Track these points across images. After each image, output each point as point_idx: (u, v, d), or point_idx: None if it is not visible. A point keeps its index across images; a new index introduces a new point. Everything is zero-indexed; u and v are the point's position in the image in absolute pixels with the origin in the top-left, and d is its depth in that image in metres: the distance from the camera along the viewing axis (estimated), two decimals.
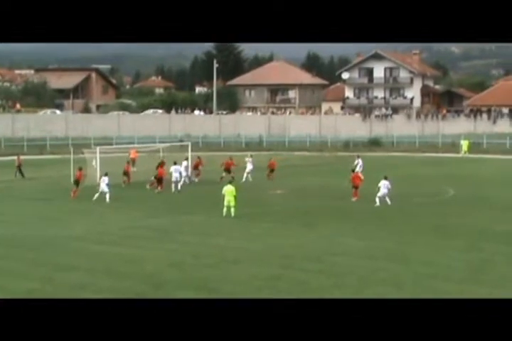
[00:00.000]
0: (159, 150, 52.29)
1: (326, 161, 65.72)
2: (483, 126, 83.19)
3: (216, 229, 30.08)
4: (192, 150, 52.45)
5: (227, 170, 48.02)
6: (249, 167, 48.44)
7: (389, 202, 36.29)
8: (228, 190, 32.69)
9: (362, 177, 38.96)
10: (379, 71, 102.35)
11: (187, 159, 47.31)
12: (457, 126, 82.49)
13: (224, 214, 32.63)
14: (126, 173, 45.98)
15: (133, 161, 51.65)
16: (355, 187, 38.26)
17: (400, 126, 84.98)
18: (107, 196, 37.62)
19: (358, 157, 49.97)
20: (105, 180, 38.11)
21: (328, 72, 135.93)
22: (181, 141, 70.32)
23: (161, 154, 50.64)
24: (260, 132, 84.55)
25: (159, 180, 42.11)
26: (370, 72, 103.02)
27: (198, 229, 30.05)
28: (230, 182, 33.41)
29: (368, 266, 22.69)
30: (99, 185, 38.33)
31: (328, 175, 52.81)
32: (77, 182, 39.59)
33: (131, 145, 59.91)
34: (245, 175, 47.80)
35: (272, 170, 49.22)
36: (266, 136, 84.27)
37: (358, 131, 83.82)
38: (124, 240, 27.52)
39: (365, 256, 24.32)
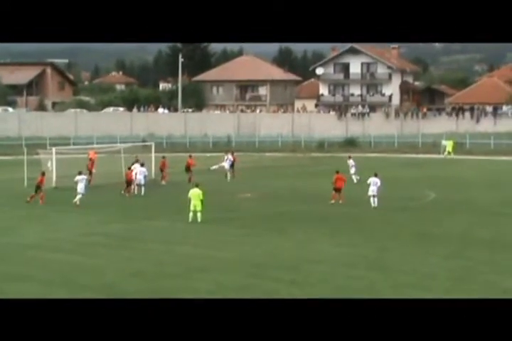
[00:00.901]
0: (120, 150, 52.07)
1: (299, 163, 65.90)
2: (465, 125, 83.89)
3: (181, 235, 30.01)
4: (156, 151, 52.37)
5: (188, 169, 48.56)
6: (227, 164, 50.86)
7: (375, 204, 36.76)
8: (194, 194, 32.65)
9: (345, 179, 39.61)
10: (355, 66, 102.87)
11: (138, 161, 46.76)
12: (438, 125, 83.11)
13: (190, 219, 32.60)
14: (91, 173, 46.13)
15: (92, 163, 51.35)
16: (338, 189, 38.62)
17: (377, 125, 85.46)
18: (78, 197, 37.81)
19: (350, 158, 50.02)
20: (82, 179, 38.14)
21: (301, 67, 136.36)
22: (144, 141, 70.16)
23: (121, 155, 50.44)
24: (229, 132, 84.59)
25: (128, 183, 42.01)
26: (345, 68, 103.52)
27: (162, 235, 29.97)
28: (197, 186, 33.38)
29: (344, 275, 22.74)
30: (76, 183, 38.08)
31: (302, 177, 52.96)
32: (38, 188, 39.06)
33: (90, 146, 59.57)
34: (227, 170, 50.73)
35: (232, 165, 51.18)
36: (235, 135, 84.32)
37: (333, 131, 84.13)
38: (82, 248, 27.36)
39: (342, 263, 24.37)
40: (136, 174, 42.47)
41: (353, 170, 48.25)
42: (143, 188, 42.46)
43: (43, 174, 40.10)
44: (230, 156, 51.66)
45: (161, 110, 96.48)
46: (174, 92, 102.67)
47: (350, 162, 49.18)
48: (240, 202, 40.08)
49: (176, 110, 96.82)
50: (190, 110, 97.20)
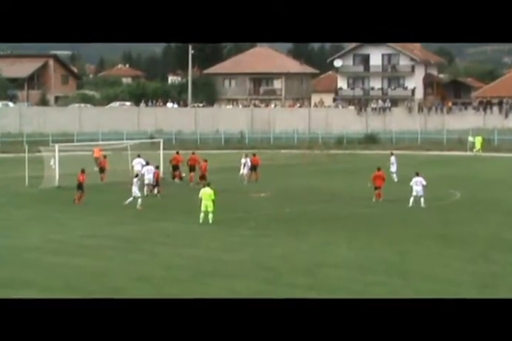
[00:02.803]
0: (127, 147, 52.32)
1: (316, 160, 65.88)
2: (493, 120, 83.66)
3: (191, 237, 30.12)
4: (164, 148, 52.48)
5: (175, 166, 47.95)
6: (246, 170, 48.50)
7: (422, 204, 37.00)
8: (206, 194, 32.75)
9: (385, 177, 39.98)
10: (376, 58, 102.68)
11: (139, 156, 46.87)
12: (464, 121, 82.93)
13: (201, 220, 32.67)
14: (102, 170, 46.63)
15: (96, 161, 51.63)
16: (377, 188, 39.08)
17: (399, 121, 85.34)
18: (139, 201, 37.27)
19: (392, 154, 49.93)
20: (135, 182, 37.58)
21: (318, 59, 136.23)
22: (152, 137, 70.33)
23: (128, 152, 50.68)
24: (242, 128, 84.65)
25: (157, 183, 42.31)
26: (365, 60, 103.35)
27: (171, 237, 30.09)
28: (208, 185, 33.52)
29: (362, 280, 22.73)
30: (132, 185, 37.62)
31: (319, 175, 52.98)
32: (80, 186, 38.80)
33: (95, 143, 59.83)
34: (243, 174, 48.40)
35: (254, 168, 49.20)
36: (248, 132, 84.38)
37: (352, 126, 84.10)
38: (86, 251, 27.45)
39: (360, 268, 24.39)
40: (143, 173, 42.44)
41: (394, 168, 48.14)
42: (155, 189, 42.01)
43: (83, 171, 39.52)
44: (247, 160, 48.93)
45: (169, 105, 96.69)
46: (184, 86, 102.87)
47: (392, 159, 48.96)
48: (253, 202, 40.15)
49: (185, 105, 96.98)
50: (200, 105, 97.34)
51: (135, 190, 37.41)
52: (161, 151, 51.40)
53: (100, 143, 60.80)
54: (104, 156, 49.48)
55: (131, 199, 37.34)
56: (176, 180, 47.84)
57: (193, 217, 33.29)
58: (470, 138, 72.30)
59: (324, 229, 31.64)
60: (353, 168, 57.93)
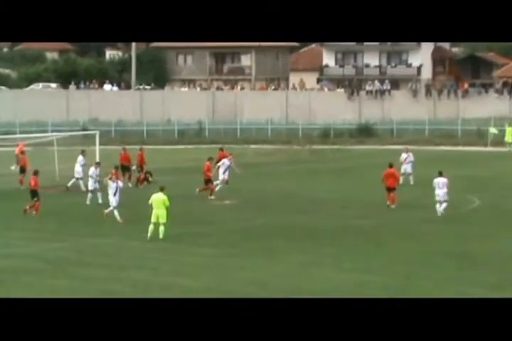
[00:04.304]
0: (52, 142, 51.86)
1: (296, 158, 65.88)
2: None
3: (136, 257, 29.89)
4: (101, 143, 52.13)
5: (126, 167, 47.53)
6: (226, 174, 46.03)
7: (441, 210, 37.23)
8: (158, 200, 32.53)
9: (398, 176, 40.17)
10: None
11: (83, 152, 46.41)
12: (484, 107, 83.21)
13: (149, 234, 32.46)
14: (23, 170, 46.56)
15: (18, 159, 50.83)
16: (389, 189, 39.07)
17: (401, 107, 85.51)
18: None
19: (407, 150, 49.88)
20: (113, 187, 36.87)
21: None
22: (85, 129, 69.96)
23: (54, 148, 50.23)
24: (200, 116, 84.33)
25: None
26: None
27: (111, 257, 29.83)
28: (162, 189, 33.26)
29: None
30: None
31: (299, 177, 52.96)
32: (34, 194, 38.52)
33: (10, 136, 59.28)
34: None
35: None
36: (208, 122, 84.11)
37: (341, 115, 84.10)
38: None
39: (353, 295, 24.25)
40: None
41: (409, 168, 48.11)
42: (98, 194, 41.39)
43: (36, 173, 39.01)
44: (224, 161, 46.19)
45: (107, 87, 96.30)
46: (126, 63, 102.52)
47: (405, 156, 48.73)
48: (216, 212, 39.93)
49: (128, 87, 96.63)
50: (147, 87, 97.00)
51: (112, 200, 36.52)
52: (97, 147, 50.93)
53: (18, 136, 60.26)
54: (22, 152, 48.88)
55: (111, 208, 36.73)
56: (140, 185, 47.85)
57: (139, 230, 32.95)
58: (491, 130, 72.37)
59: (307, 246, 31.47)
60: (342, 167, 57.91)
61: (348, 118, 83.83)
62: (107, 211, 36.51)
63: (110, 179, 36.84)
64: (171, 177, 48.24)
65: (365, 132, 79.80)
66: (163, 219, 32.37)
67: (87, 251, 30.97)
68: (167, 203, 32.49)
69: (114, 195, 36.23)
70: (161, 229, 32.37)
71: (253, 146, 74.65)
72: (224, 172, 45.04)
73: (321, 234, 34.08)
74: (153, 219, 32.49)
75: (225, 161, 45.84)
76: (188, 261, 29.31)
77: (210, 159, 44.79)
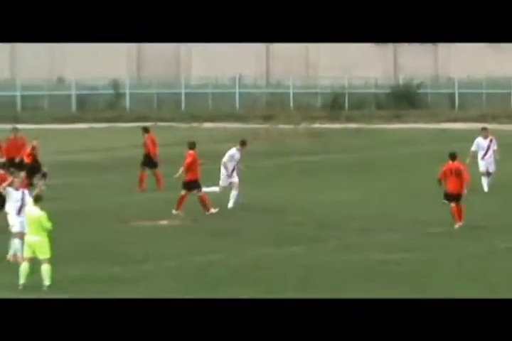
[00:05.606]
0: None
1: (281, 147, 50.90)
2: None
3: None
4: None
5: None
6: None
7: None
8: (32, 218, 23.98)
9: (466, 174, 29.28)
10: None
11: None
12: None
13: (21, 280, 23.23)
14: None
15: None
16: (453, 196, 29.11)
17: (469, 59, 69.91)
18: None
19: (487, 134, 36.26)
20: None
21: None
22: None
23: None
24: (117, 74, 69.35)
25: None
26: None
27: None
28: (37, 200, 24.58)
29: None
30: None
31: (288, 178, 40.28)
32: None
33: None
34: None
35: (152, 164, 38.18)
36: (130, 83, 69.90)
37: (363, 70, 69.26)
38: None
39: None
40: None
41: (491, 164, 35.65)
42: None
43: None
44: (235, 151, 35.54)
45: None
46: None
47: (485, 144, 35.72)
48: (143, 238, 29.11)
49: None
50: None
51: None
52: None
53: None
54: None
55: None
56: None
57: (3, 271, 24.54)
58: None
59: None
60: (364, 162, 44.69)
61: (376, 75, 69.54)
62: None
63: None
64: (61, 180, 38.23)
65: (404, 100, 65.70)
66: (44, 255, 23.91)
67: None
68: (47, 224, 23.67)
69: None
70: (45, 269, 23.90)
71: (207, 125, 60.46)
72: (232, 172, 34.18)
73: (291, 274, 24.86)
74: (25, 254, 23.94)
75: (234, 151, 34.52)
76: None
77: (191, 146, 33.50)
